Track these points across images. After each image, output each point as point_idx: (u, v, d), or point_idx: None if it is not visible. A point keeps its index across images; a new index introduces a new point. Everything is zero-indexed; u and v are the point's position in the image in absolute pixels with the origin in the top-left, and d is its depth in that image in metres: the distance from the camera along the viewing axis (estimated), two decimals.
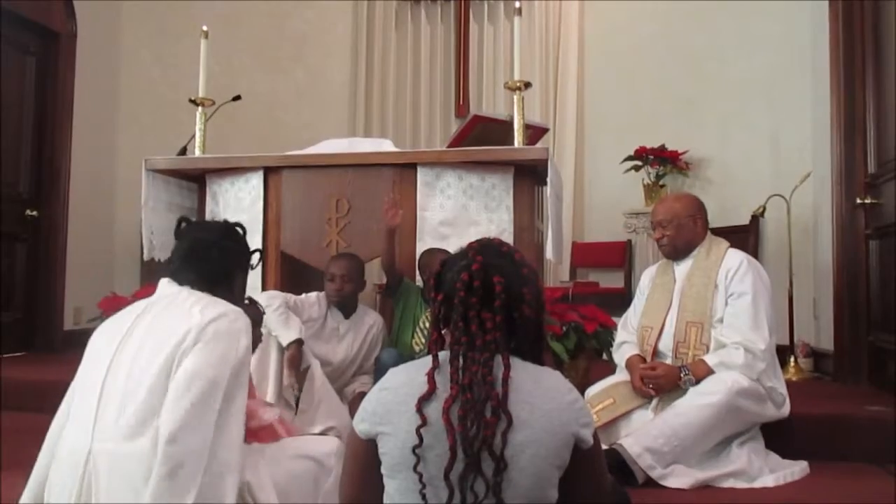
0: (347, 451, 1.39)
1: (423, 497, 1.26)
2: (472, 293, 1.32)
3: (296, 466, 1.70)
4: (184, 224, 1.83)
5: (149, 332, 1.58)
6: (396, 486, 1.30)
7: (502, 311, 1.31)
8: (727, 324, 2.44)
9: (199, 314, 1.57)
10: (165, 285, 1.73)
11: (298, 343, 2.69)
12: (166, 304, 1.66)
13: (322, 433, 2.60)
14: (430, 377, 1.30)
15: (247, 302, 2.32)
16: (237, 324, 1.59)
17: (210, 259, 1.74)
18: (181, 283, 1.71)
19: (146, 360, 1.53)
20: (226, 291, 1.75)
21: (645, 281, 2.79)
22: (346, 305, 3.00)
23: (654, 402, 2.44)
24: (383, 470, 1.32)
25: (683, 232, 2.60)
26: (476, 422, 1.25)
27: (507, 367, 1.28)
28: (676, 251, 2.64)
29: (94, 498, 1.46)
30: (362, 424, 1.33)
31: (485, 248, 1.39)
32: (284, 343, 2.67)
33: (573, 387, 1.36)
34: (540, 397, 1.30)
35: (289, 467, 1.68)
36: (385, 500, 1.33)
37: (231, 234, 1.83)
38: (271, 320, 2.68)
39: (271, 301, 2.73)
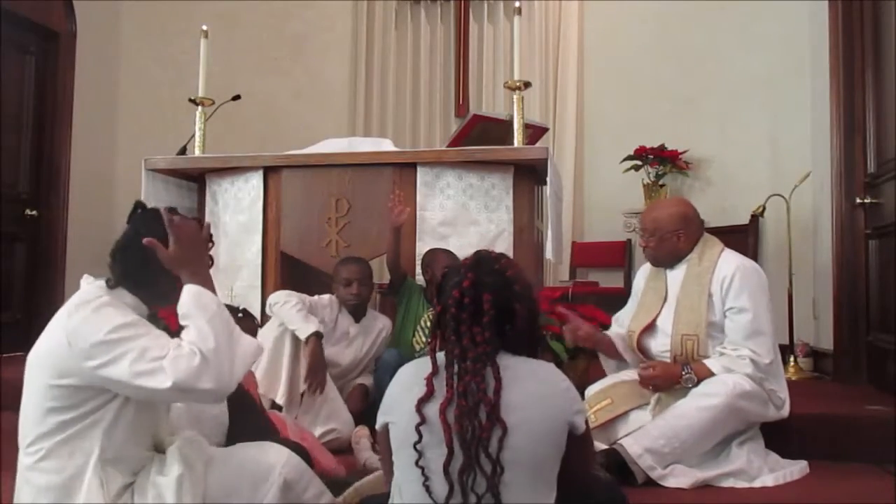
0: (378, 440, 1.56)
1: (428, 490, 1.35)
2: (462, 309, 1.40)
3: (227, 476, 1.60)
4: (139, 210, 1.68)
5: (36, 346, 1.58)
6: (399, 468, 1.42)
7: (491, 328, 1.39)
8: (730, 339, 2.40)
9: (62, 331, 1.49)
10: (82, 280, 1.64)
11: (318, 336, 2.67)
12: (61, 310, 1.58)
13: (323, 434, 2.60)
14: (429, 381, 1.39)
15: (240, 315, 2.30)
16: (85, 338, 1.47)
17: (135, 254, 1.57)
18: (109, 277, 1.60)
19: (29, 377, 1.56)
20: (149, 284, 1.59)
21: (640, 282, 2.73)
22: (357, 309, 3.01)
23: (653, 402, 2.43)
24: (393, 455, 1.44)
25: (665, 245, 2.52)
26: (471, 425, 1.33)
27: (498, 381, 1.35)
28: (657, 261, 2.59)
29: None
30: (379, 417, 1.49)
31: (478, 265, 1.46)
32: (304, 335, 2.65)
33: (565, 376, 1.46)
34: (533, 384, 1.39)
35: (220, 476, 1.59)
36: (393, 484, 1.46)
37: (126, 244, 1.62)
38: (289, 315, 2.67)
39: (288, 298, 2.74)
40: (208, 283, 1.57)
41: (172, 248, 1.55)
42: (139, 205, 1.69)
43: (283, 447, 1.66)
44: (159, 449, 1.61)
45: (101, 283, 1.59)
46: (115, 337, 1.44)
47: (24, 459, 1.52)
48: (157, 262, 1.54)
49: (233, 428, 1.95)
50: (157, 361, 1.42)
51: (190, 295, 1.52)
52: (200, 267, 1.58)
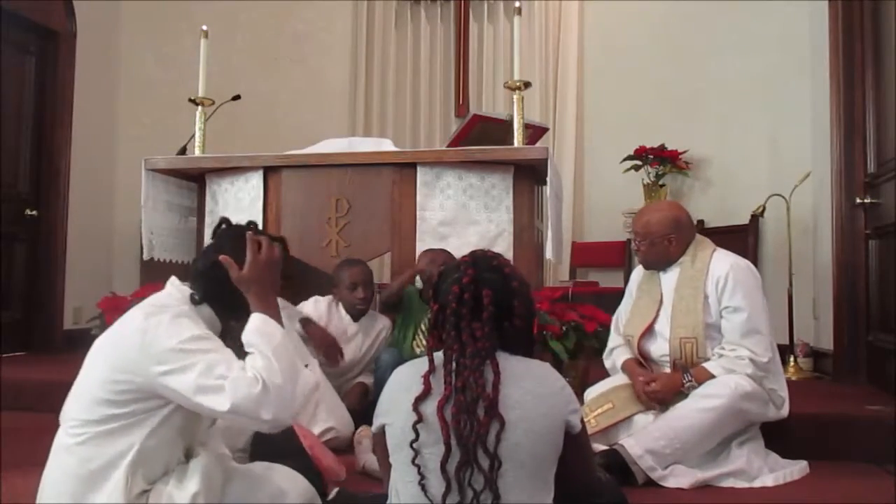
0: (374, 441, 1.57)
1: (423, 489, 1.35)
2: (462, 305, 1.41)
3: (242, 495, 1.62)
4: (224, 226, 1.72)
5: (108, 336, 1.59)
6: (396, 468, 1.42)
7: (490, 323, 1.40)
8: (728, 339, 2.40)
9: (141, 321, 1.52)
10: (168, 283, 1.68)
11: (305, 321, 2.74)
12: (139, 307, 1.61)
13: (321, 434, 2.60)
14: (426, 379, 1.39)
15: None
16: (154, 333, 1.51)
17: (216, 271, 1.60)
18: (194, 293, 1.63)
19: (90, 362, 1.58)
20: (231, 313, 1.63)
21: (633, 283, 2.72)
22: (359, 310, 3.01)
23: None
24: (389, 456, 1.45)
25: (656, 249, 2.52)
26: (469, 421, 1.33)
27: (497, 375, 1.36)
28: (648, 265, 2.59)
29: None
30: (375, 419, 1.48)
31: (477, 261, 1.48)
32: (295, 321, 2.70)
33: (561, 376, 1.47)
34: (531, 382, 1.40)
35: (236, 494, 1.61)
36: (390, 486, 1.45)
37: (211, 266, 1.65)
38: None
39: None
40: (274, 309, 1.59)
41: (245, 268, 1.58)
42: (224, 220, 1.72)
43: (298, 474, 1.70)
44: (188, 456, 1.62)
45: (187, 291, 1.61)
46: (188, 347, 1.46)
47: (64, 438, 1.54)
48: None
49: (259, 437, 1.96)
50: (221, 380, 1.43)
51: (255, 323, 1.54)
52: (269, 292, 1.60)
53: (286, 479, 1.67)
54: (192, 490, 1.52)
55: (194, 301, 1.60)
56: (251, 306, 1.57)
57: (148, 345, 1.47)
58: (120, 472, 1.49)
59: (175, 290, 1.63)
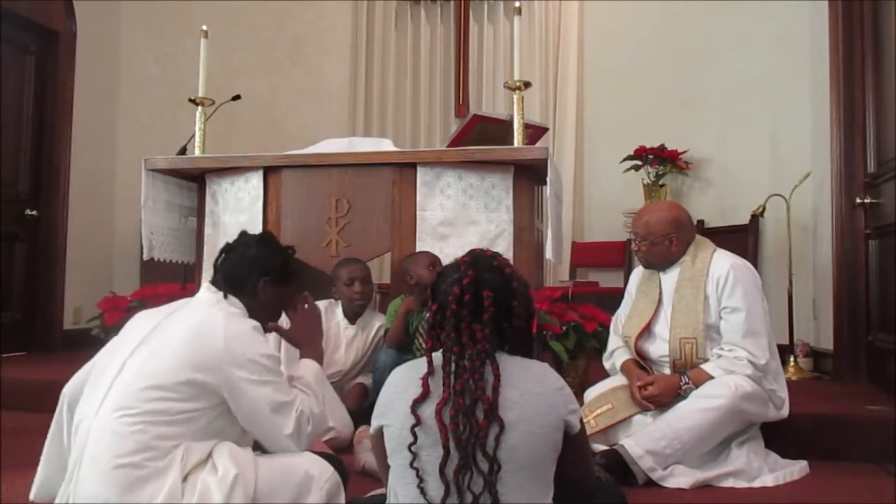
0: (372, 442, 1.56)
1: (422, 492, 1.34)
2: (463, 306, 1.41)
3: (273, 481, 1.65)
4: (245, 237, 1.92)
5: (174, 333, 1.65)
6: (394, 471, 1.41)
7: (491, 324, 1.40)
8: (726, 340, 2.40)
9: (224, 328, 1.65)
10: (204, 289, 1.81)
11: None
12: (198, 305, 1.76)
13: (321, 434, 2.60)
14: (425, 381, 1.38)
15: None
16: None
17: (232, 263, 1.82)
18: (219, 288, 1.79)
19: (159, 355, 1.62)
20: (246, 297, 1.78)
21: (633, 284, 2.71)
22: (357, 309, 3.00)
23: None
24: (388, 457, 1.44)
25: (657, 249, 2.52)
26: (467, 424, 1.32)
27: (497, 377, 1.36)
28: (650, 265, 2.59)
29: (81, 465, 1.54)
30: (374, 420, 1.48)
31: (476, 262, 1.47)
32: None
33: (560, 376, 1.47)
34: (529, 382, 1.40)
35: (266, 480, 1.64)
36: (388, 487, 1.45)
37: (259, 241, 1.88)
38: None
39: None
40: (320, 356, 1.93)
41: (294, 328, 1.92)
42: (243, 233, 1.94)
43: (322, 459, 1.75)
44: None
45: (220, 293, 1.77)
46: (268, 364, 1.64)
47: (111, 425, 1.52)
48: (269, 285, 1.79)
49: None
50: (288, 406, 1.65)
51: (313, 369, 1.85)
52: (316, 342, 1.96)
53: (312, 463, 1.72)
54: (231, 474, 1.54)
55: (225, 297, 1.75)
56: (301, 354, 1.89)
57: (231, 349, 1.59)
58: (174, 465, 1.51)
59: (209, 292, 1.78)
